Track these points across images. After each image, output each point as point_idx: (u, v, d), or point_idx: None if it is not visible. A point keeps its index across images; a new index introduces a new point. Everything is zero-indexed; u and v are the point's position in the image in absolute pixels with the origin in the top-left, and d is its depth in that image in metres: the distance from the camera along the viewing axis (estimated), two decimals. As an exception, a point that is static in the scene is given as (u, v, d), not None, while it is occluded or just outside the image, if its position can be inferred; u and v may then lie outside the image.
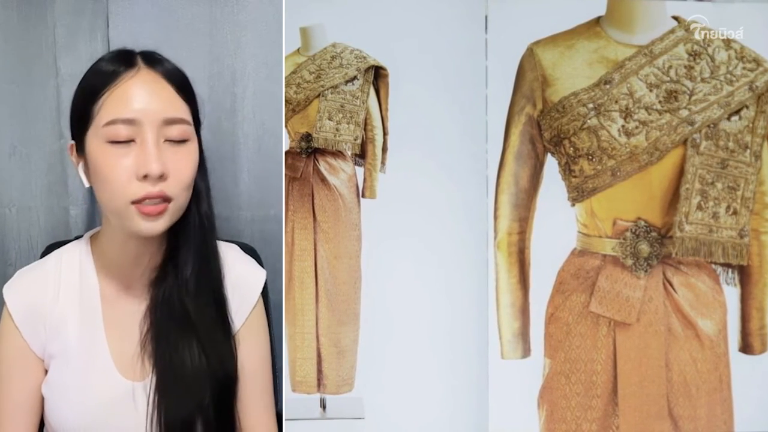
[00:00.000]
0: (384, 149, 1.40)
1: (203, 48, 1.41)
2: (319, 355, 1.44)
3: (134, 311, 1.05)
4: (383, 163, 1.40)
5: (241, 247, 1.17)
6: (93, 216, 1.45)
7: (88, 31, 1.40)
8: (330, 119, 1.41)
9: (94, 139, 0.96)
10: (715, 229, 1.08)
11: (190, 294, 1.03)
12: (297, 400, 1.42)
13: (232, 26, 1.41)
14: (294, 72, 1.41)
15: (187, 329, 1.02)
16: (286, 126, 1.43)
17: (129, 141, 0.95)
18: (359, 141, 1.41)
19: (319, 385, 1.44)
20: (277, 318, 1.32)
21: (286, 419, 1.35)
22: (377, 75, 1.40)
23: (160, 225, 0.96)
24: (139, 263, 1.05)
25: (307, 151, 1.42)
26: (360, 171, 1.43)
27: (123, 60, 0.99)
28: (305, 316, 1.44)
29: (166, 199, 0.96)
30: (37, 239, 1.44)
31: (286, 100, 1.41)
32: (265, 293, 1.15)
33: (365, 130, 1.42)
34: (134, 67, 0.98)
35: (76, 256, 1.07)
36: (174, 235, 1.04)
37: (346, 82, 1.40)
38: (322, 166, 1.43)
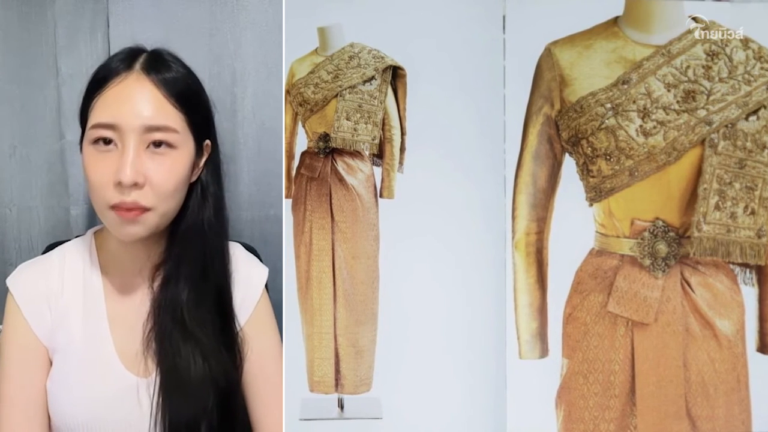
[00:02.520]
0: (402, 149, 1.43)
1: (203, 48, 1.44)
2: (336, 355, 1.47)
3: (137, 308, 1.07)
4: (401, 163, 1.43)
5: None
6: (94, 216, 1.46)
7: (88, 31, 1.43)
8: (348, 119, 1.43)
9: (85, 139, 1.01)
10: (733, 229, 1.09)
11: (190, 302, 1.05)
12: (315, 400, 1.45)
13: (232, 26, 1.44)
14: (312, 72, 1.45)
15: (189, 335, 1.05)
16: (303, 126, 1.47)
17: (111, 143, 0.98)
18: (377, 141, 1.44)
19: (336, 385, 1.47)
20: (277, 317, 1.34)
21: (303, 419, 1.39)
22: (395, 75, 1.43)
23: (138, 230, 0.99)
24: (139, 261, 1.08)
25: (325, 151, 1.45)
26: (378, 171, 1.46)
27: (125, 59, 1.02)
28: (323, 316, 1.47)
29: (143, 209, 0.98)
30: (38, 239, 1.47)
31: (304, 100, 1.44)
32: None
33: (383, 130, 1.44)
34: (129, 70, 1.01)
35: (79, 252, 1.10)
36: (177, 241, 1.06)
37: (364, 82, 1.43)
38: (340, 166, 1.46)
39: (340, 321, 1.46)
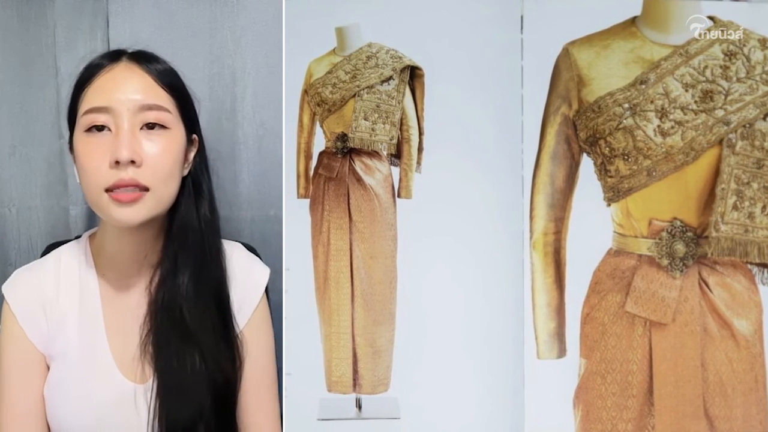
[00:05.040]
0: (420, 149, 1.44)
1: (203, 48, 1.46)
2: (354, 355, 1.48)
3: (134, 312, 1.09)
4: (419, 163, 1.44)
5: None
6: (93, 216, 1.46)
7: (88, 31, 1.45)
8: (366, 119, 1.45)
9: (77, 130, 1.03)
10: (751, 229, 1.11)
11: (189, 299, 1.06)
12: (333, 400, 1.47)
13: (232, 26, 1.46)
14: (330, 72, 1.46)
15: (186, 335, 1.06)
16: (321, 126, 1.49)
17: (104, 129, 1.00)
18: (395, 141, 1.46)
19: (354, 385, 1.49)
20: (277, 317, 1.35)
21: (321, 419, 1.42)
22: (413, 75, 1.45)
23: (136, 213, 1.00)
24: (136, 260, 1.09)
25: (343, 151, 1.47)
26: (396, 171, 1.48)
27: (109, 56, 1.06)
28: (341, 316, 1.48)
29: (141, 188, 0.99)
30: (37, 239, 1.49)
31: (322, 100, 1.46)
32: (266, 293, 1.19)
33: (401, 130, 1.46)
34: (117, 61, 1.05)
35: (75, 256, 1.12)
36: (173, 237, 1.08)
37: (382, 82, 1.45)
38: (358, 166, 1.48)
39: (358, 321, 1.48)
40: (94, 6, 1.46)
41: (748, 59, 1.13)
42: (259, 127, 1.49)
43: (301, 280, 1.44)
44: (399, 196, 1.48)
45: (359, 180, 1.48)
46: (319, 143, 1.50)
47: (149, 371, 1.07)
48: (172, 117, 1.05)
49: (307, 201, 1.49)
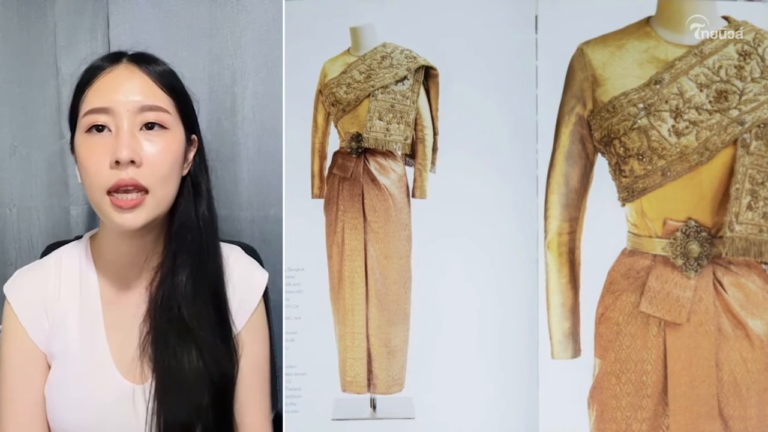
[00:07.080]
0: (434, 149, 1.46)
1: (203, 48, 1.48)
2: (369, 355, 1.50)
3: (134, 313, 1.11)
4: (433, 163, 1.45)
5: (241, 248, 1.24)
6: (93, 216, 1.50)
7: (88, 31, 1.48)
8: (380, 119, 1.47)
9: (78, 131, 1.06)
10: (765, 229, 1.12)
11: (187, 297, 1.09)
12: (347, 400, 1.48)
13: (232, 26, 1.48)
14: (344, 72, 1.48)
15: (185, 333, 1.08)
16: (336, 126, 1.51)
17: (105, 129, 1.03)
18: (409, 141, 1.47)
19: (369, 385, 1.50)
20: (276, 318, 1.38)
21: (335, 419, 1.44)
22: (427, 75, 1.46)
23: (136, 218, 1.03)
24: (136, 263, 1.11)
25: (358, 151, 1.49)
26: (410, 171, 1.49)
27: (110, 58, 1.09)
28: (355, 316, 1.50)
29: (141, 189, 1.02)
30: (38, 239, 1.52)
31: (336, 100, 1.48)
32: (265, 294, 1.21)
33: (415, 130, 1.47)
34: (117, 63, 1.08)
35: (75, 256, 1.14)
36: (172, 237, 1.10)
37: (396, 82, 1.46)
38: (373, 166, 1.49)
39: (373, 321, 1.50)
40: (94, 6, 1.48)
41: (763, 59, 1.15)
42: (259, 127, 1.51)
43: (315, 280, 1.45)
44: (413, 196, 1.49)
45: (374, 180, 1.50)
46: (334, 143, 1.51)
47: (148, 371, 1.09)
48: (171, 117, 1.08)
49: (313, 201, 1.49)
